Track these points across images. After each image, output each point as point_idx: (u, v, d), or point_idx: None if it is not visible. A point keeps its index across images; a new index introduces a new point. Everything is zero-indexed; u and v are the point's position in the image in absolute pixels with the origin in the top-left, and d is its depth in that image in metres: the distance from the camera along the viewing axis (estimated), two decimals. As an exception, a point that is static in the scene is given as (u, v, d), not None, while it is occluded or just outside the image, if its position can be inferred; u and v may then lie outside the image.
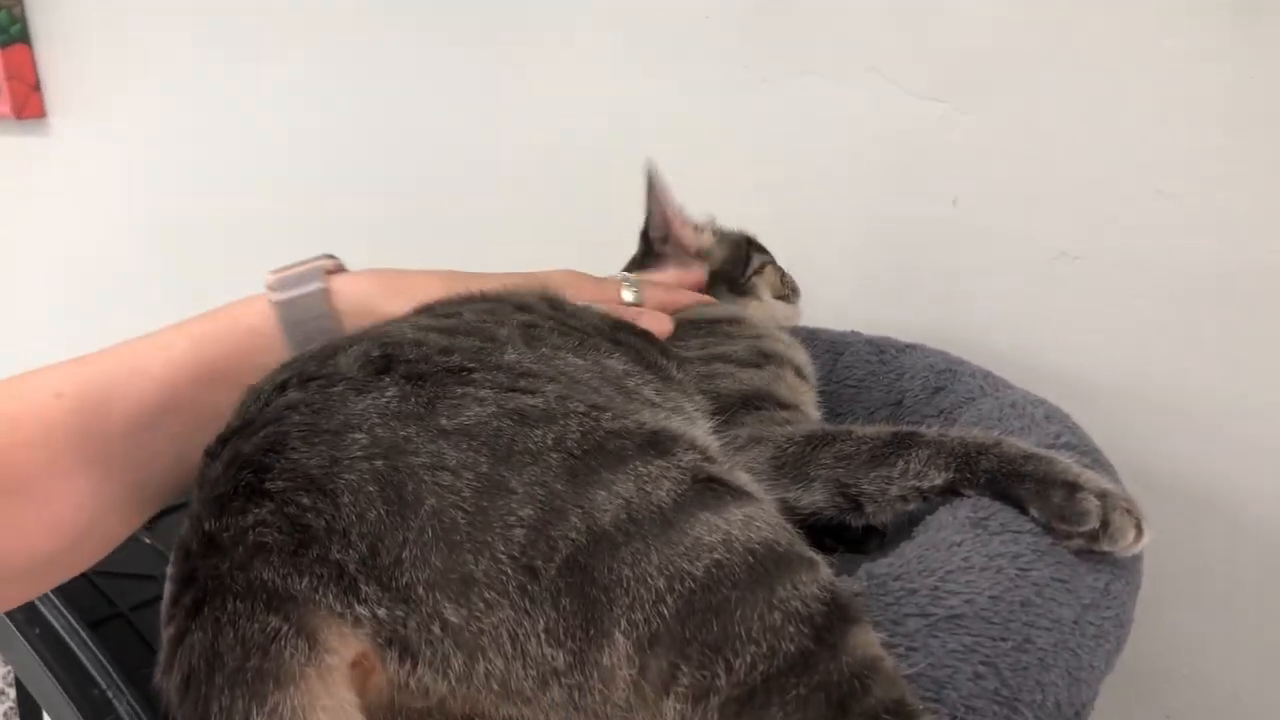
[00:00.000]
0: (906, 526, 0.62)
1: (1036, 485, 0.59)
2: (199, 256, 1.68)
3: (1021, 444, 0.62)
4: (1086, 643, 0.52)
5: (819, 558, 0.47)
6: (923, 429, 0.67)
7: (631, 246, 1.03)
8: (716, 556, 0.44)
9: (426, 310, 0.67)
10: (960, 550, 0.53)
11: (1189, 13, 0.91)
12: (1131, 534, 0.57)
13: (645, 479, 0.47)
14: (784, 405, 0.77)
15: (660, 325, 0.80)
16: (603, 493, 0.45)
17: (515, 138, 1.40)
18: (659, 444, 0.49)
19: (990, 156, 1.04)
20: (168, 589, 0.46)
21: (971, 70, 1.04)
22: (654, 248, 0.99)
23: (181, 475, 0.68)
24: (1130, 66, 0.95)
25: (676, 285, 0.93)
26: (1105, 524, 0.56)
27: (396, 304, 0.71)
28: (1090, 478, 0.59)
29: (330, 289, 0.74)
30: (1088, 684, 0.52)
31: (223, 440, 0.50)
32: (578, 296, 0.76)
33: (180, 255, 1.70)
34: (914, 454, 0.63)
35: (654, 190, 0.95)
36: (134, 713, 0.83)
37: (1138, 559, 0.59)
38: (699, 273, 0.96)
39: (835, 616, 0.44)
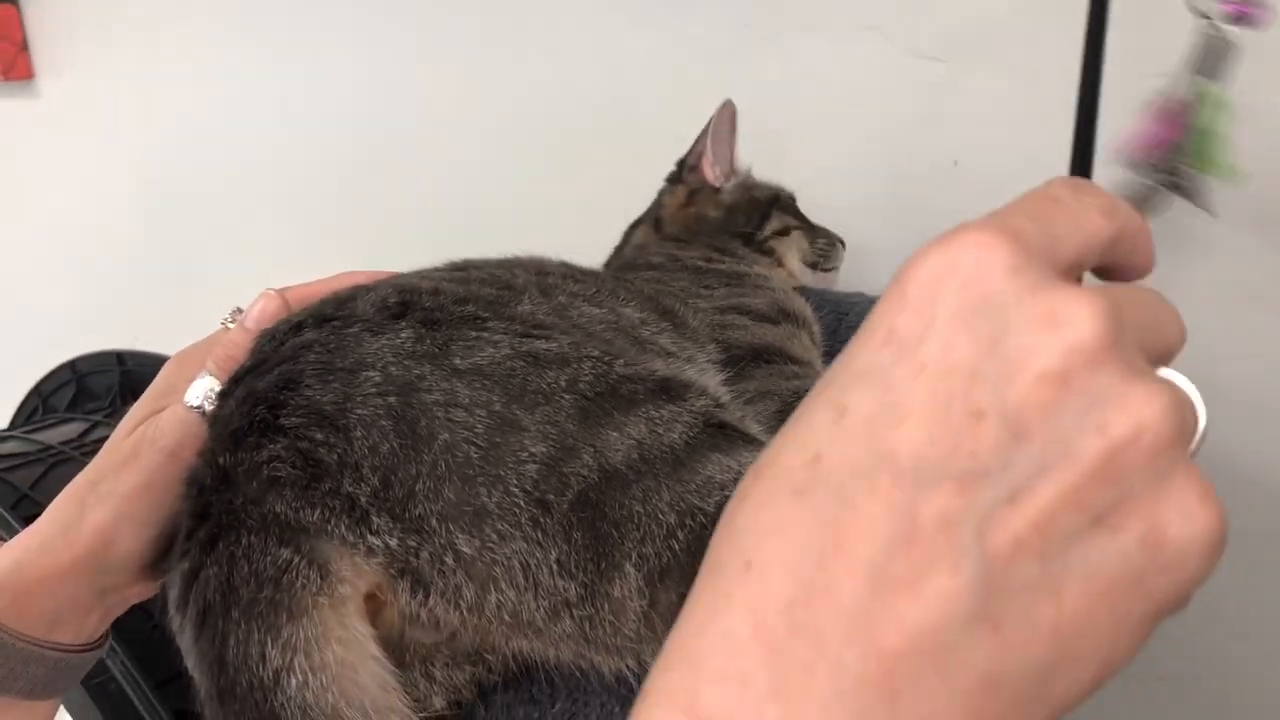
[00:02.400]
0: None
1: None
2: (191, 220, 1.67)
3: None
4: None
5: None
6: None
7: (634, 208, 1.03)
8: (728, 494, 0.45)
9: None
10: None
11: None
12: None
13: (657, 421, 0.47)
14: (795, 361, 0.77)
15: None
16: (614, 433, 0.46)
17: (514, 99, 1.39)
18: (671, 390, 0.50)
19: (992, 118, 1.04)
20: (180, 524, 0.46)
21: (972, 30, 1.04)
22: (682, 175, 1.03)
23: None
24: (1135, 22, 0.95)
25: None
26: None
27: None
28: None
29: None
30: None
31: (236, 379, 0.51)
32: None
33: (173, 219, 1.69)
34: None
35: (709, 125, 0.98)
36: (126, 671, 0.83)
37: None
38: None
39: None
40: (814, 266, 0.99)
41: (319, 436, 0.44)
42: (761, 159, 1.14)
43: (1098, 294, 0.25)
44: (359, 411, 0.44)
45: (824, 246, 1.00)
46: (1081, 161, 0.39)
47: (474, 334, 0.49)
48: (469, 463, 0.43)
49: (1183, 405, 0.25)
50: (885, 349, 0.26)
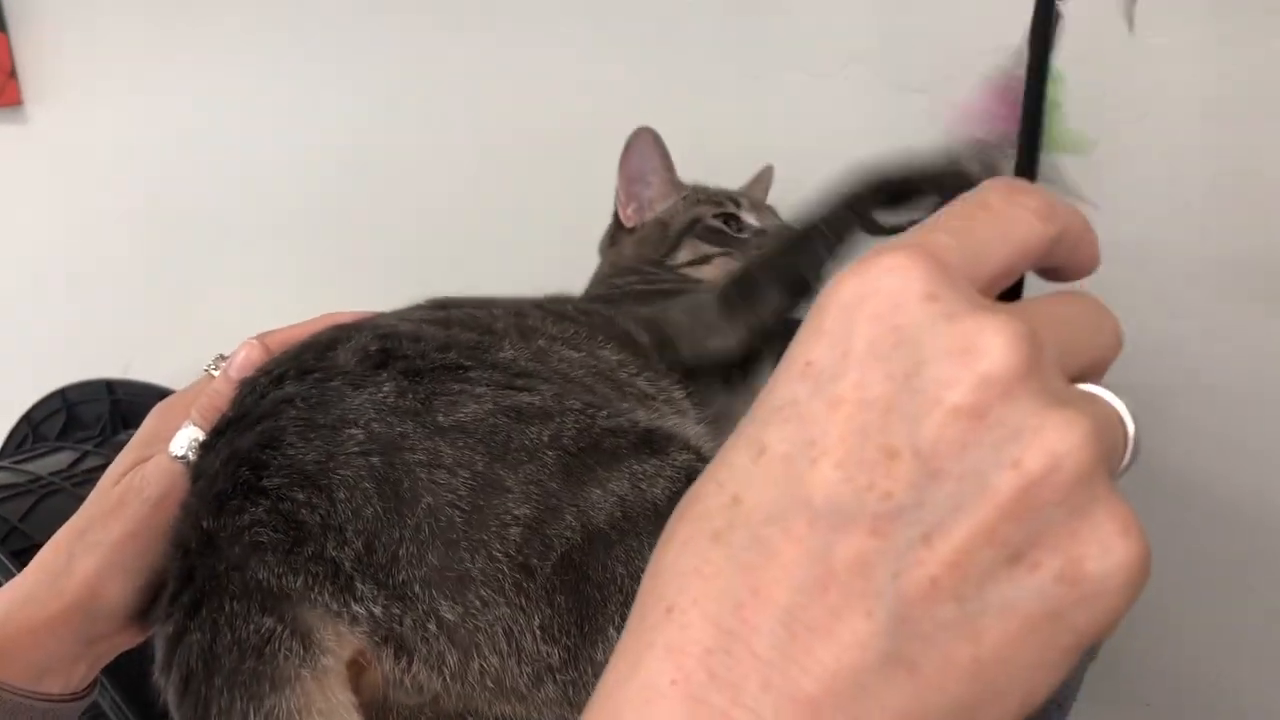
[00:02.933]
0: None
1: None
2: (181, 246, 1.67)
3: None
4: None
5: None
6: None
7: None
8: None
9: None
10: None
11: (1171, 10, 0.92)
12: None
13: (640, 477, 0.47)
14: None
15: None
16: (598, 491, 0.46)
17: (504, 128, 1.39)
18: (653, 443, 0.50)
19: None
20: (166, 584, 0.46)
21: (954, 62, 1.05)
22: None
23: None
24: (1113, 58, 0.96)
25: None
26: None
27: None
28: None
29: None
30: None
31: (219, 430, 0.51)
32: None
33: (162, 245, 1.69)
34: None
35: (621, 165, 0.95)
36: (116, 706, 0.83)
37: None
38: None
39: None
40: None
41: (301, 497, 0.44)
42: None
43: (1014, 318, 0.25)
44: (342, 472, 0.44)
45: None
46: (1027, 162, 0.39)
47: (456, 386, 0.49)
48: (452, 527, 0.43)
49: (1104, 428, 0.25)
50: (802, 382, 0.26)
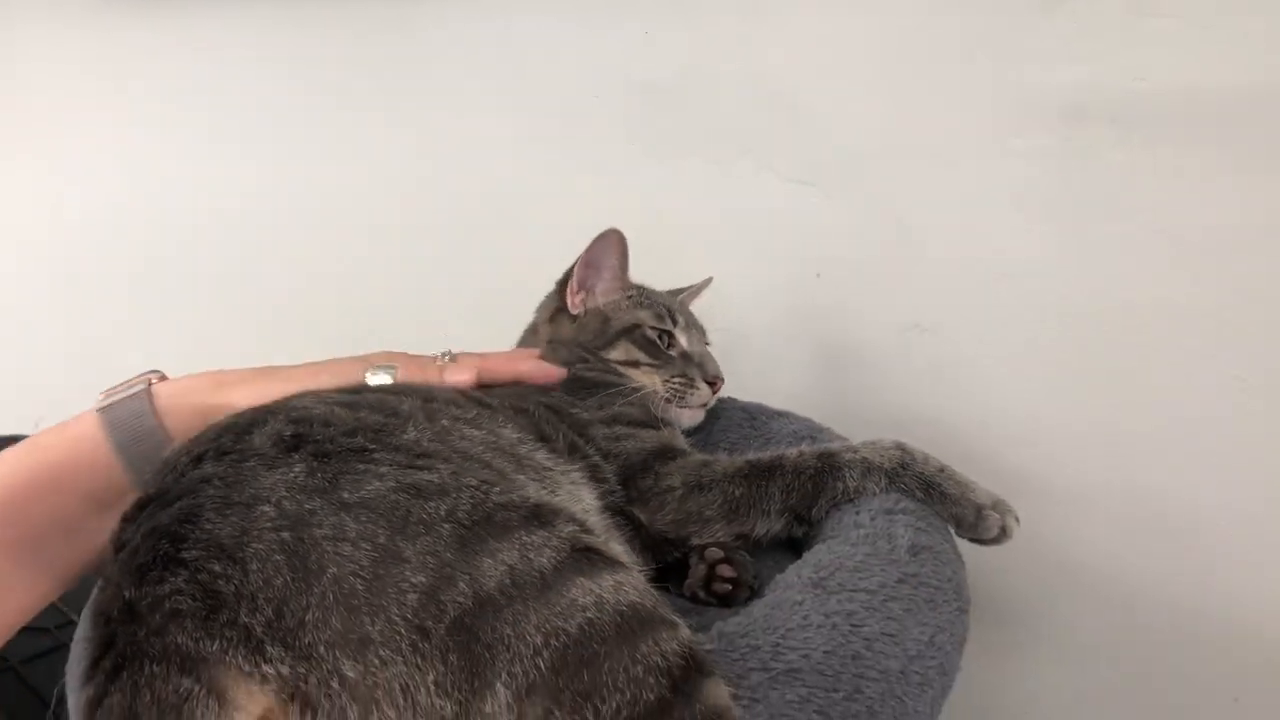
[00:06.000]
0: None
1: (953, 505, 0.78)
2: (105, 304, 1.67)
3: (927, 465, 0.79)
4: (911, 690, 0.59)
5: (679, 620, 0.54)
6: (834, 446, 0.81)
7: (524, 299, 1.09)
8: (589, 615, 0.50)
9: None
10: (800, 609, 0.60)
11: (1027, 116, 1.03)
12: (1014, 530, 0.77)
13: (529, 547, 0.52)
14: (687, 453, 0.85)
15: (465, 376, 0.85)
16: (489, 560, 0.51)
17: (424, 198, 1.45)
18: (541, 516, 0.55)
19: (852, 236, 1.14)
20: (85, 651, 0.49)
21: (838, 159, 1.14)
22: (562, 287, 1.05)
23: (20, 585, 0.69)
24: (978, 161, 1.07)
25: (506, 358, 0.94)
26: (1003, 530, 0.76)
27: (217, 396, 0.76)
28: (984, 493, 0.79)
29: (152, 390, 0.77)
30: (914, 727, 0.59)
31: (140, 505, 0.54)
32: (403, 376, 0.81)
33: (86, 303, 1.69)
34: (846, 474, 0.78)
35: (584, 252, 1.01)
36: None
37: (962, 613, 0.68)
38: (532, 353, 0.99)
39: (691, 670, 0.51)
40: (669, 402, 0.95)
41: (218, 568, 0.48)
42: (646, 266, 1.22)
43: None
44: (255, 545, 0.49)
45: (678, 385, 0.96)
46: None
47: (361, 466, 0.54)
48: (355, 594, 0.48)
49: None
50: None
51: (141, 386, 0.76)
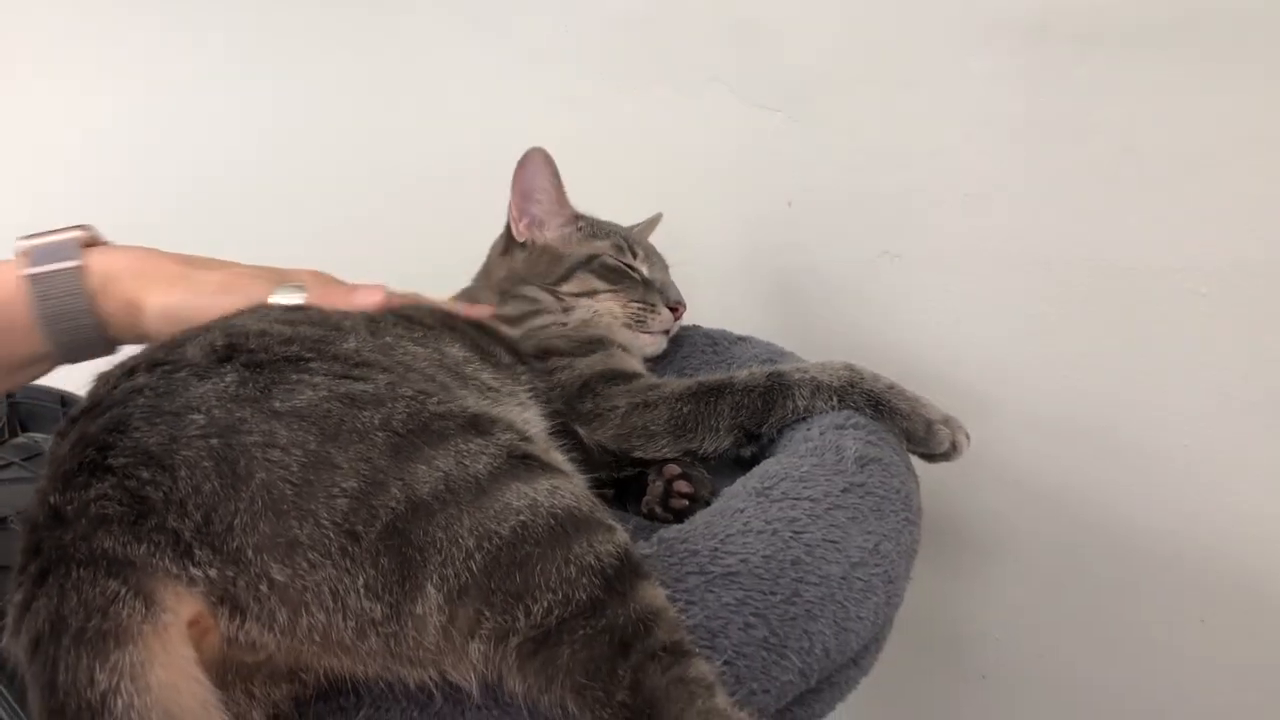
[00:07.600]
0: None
1: (904, 420, 0.78)
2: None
3: (876, 383, 0.79)
4: (854, 595, 0.59)
5: (617, 525, 0.54)
6: (784, 366, 0.81)
7: (490, 236, 1.08)
8: (522, 519, 0.51)
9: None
10: (742, 515, 0.60)
11: (989, 38, 1.01)
12: (965, 446, 0.77)
13: (464, 455, 0.53)
14: (634, 375, 0.85)
15: (371, 298, 0.80)
16: (424, 467, 0.51)
17: (398, 141, 1.44)
18: (479, 425, 0.55)
19: (821, 163, 1.13)
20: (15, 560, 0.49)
21: (804, 84, 1.13)
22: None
23: None
24: (941, 85, 1.05)
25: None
26: (954, 445, 0.77)
27: (140, 287, 0.75)
28: (935, 409, 0.79)
29: (85, 266, 0.74)
30: (856, 634, 0.59)
31: (72, 419, 0.54)
32: (312, 297, 0.78)
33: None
34: (795, 393, 0.78)
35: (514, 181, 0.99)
36: (10, 709, 0.83)
37: (910, 524, 0.68)
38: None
39: (626, 571, 0.51)
40: (629, 328, 0.95)
41: (146, 475, 0.48)
42: (616, 197, 1.21)
43: None
44: (184, 453, 0.49)
45: (638, 311, 0.96)
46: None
47: (295, 376, 0.54)
48: (283, 499, 0.48)
49: None
50: None
51: (74, 262, 0.74)
